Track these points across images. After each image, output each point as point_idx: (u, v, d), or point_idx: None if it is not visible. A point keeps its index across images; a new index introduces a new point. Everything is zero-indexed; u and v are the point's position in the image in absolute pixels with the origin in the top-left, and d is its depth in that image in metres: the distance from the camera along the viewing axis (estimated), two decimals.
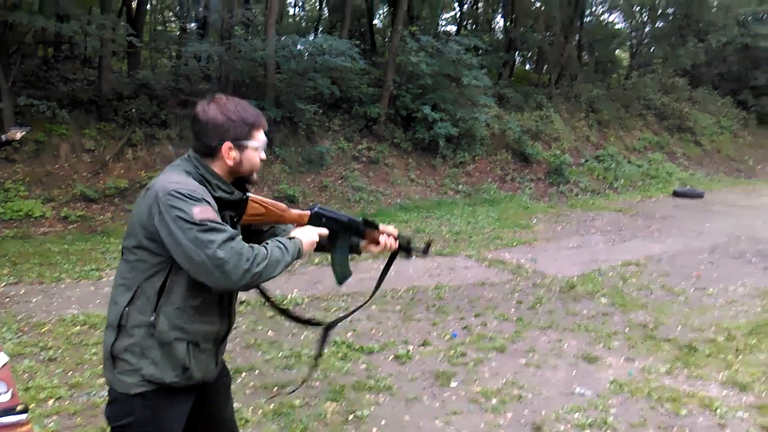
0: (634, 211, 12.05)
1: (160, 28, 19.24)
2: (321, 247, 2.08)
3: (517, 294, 6.15)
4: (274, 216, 1.93)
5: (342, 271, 2.12)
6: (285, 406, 3.52)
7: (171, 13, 20.72)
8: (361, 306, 2.38)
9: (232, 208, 1.89)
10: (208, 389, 1.94)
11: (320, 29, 19.89)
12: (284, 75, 12.18)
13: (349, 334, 4.86)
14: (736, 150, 20.17)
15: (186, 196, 1.66)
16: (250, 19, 12.25)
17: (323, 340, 2.23)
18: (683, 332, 5.07)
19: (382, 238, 2.11)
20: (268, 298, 2.14)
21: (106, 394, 1.85)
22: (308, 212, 2.00)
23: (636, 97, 19.34)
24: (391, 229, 2.14)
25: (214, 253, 1.61)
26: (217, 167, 1.84)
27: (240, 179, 1.92)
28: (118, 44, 10.99)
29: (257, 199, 1.88)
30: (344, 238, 2.09)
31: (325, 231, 1.99)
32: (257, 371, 4.08)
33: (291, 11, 24.17)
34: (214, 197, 1.79)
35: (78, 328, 4.75)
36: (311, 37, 16.06)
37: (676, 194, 14.29)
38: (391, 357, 4.41)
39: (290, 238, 1.84)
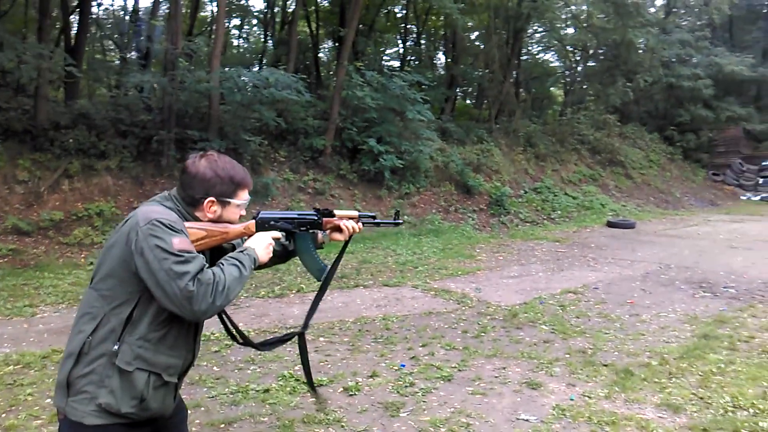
0: (570, 240, 12.51)
1: (98, 56, 18.86)
2: (284, 254, 2.11)
3: (462, 323, 6.27)
4: (217, 236, 1.93)
5: (316, 266, 2.13)
6: None
7: (110, 42, 20.36)
8: (322, 293, 2.32)
9: None
10: (165, 425, 1.92)
11: (264, 62, 19.99)
12: (229, 106, 12.16)
13: (297, 367, 4.82)
14: (663, 183, 21.34)
15: (167, 226, 1.72)
16: (194, 51, 12.20)
17: (303, 349, 2.27)
18: (620, 357, 5.28)
19: (344, 223, 2.15)
20: (231, 333, 2.13)
21: None
22: (252, 221, 2.02)
23: (570, 132, 20.28)
24: (350, 212, 2.20)
25: (186, 286, 1.66)
26: (197, 215, 1.91)
27: None
28: (55, 73, 10.70)
29: (194, 224, 1.89)
30: (302, 234, 2.10)
31: (277, 233, 2.02)
32: (203, 408, 3.99)
33: (235, 42, 24.21)
34: None
35: (11, 367, 4.53)
36: (255, 69, 16.12)
37: (609, 224, 14.94)
38: (340, 389, 4.40)
39: (242, 251, 1.89)
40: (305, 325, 2.27)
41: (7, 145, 9.77)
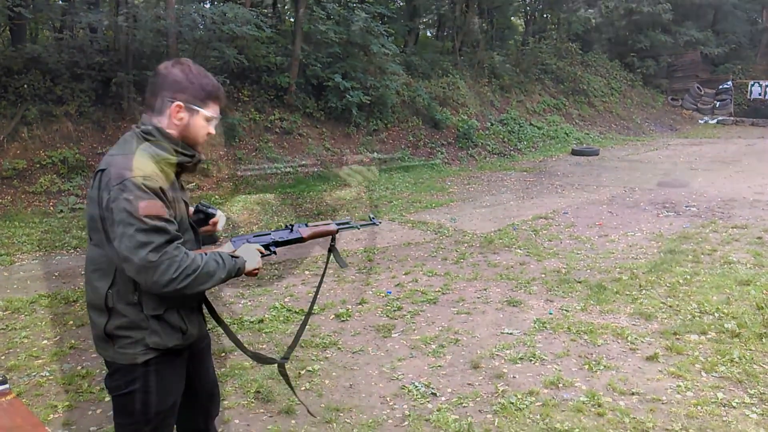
0: (538, 170, 12.77)
1: None
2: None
3: (441, 251, 6.46)
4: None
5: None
6: (236, 368, 3.60)
7: None
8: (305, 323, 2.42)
9: (191, 172, 1.95)
10: (196, 350, 2.02)
11: None
12: (187, 45, 11.73)
13: (287, 299, 4.95)
14: (624, 110, 21.69)
15: (137, 187, 1.67)
16: None
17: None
18: (592, 274, 5.56)
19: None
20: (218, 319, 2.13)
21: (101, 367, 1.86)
22: (229, 241, 2.02)
23: (533, 62, 20.24)
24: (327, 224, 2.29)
25: (146, 256, 1.63)
26: (164, 127, 1.84)
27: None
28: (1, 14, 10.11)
29: None
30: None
31: (261, 247, 2.04)
32: None
33: None
34: (173, 166, 1.83)
35: (0, 314, 4.53)
36: (207, 5, 15.43)
37: (574, 152, 15.25)
38: (332, 316, 4.56)
39: (232, 256, 1.87)
40: (286, 356, 2.35)
41: None
